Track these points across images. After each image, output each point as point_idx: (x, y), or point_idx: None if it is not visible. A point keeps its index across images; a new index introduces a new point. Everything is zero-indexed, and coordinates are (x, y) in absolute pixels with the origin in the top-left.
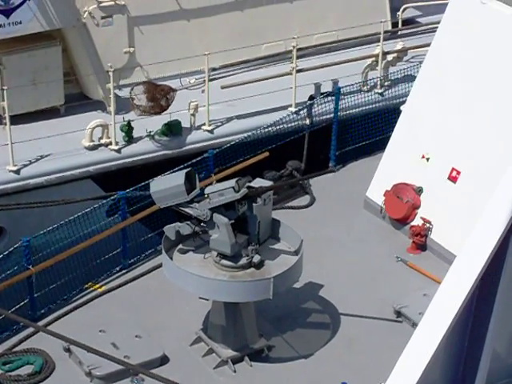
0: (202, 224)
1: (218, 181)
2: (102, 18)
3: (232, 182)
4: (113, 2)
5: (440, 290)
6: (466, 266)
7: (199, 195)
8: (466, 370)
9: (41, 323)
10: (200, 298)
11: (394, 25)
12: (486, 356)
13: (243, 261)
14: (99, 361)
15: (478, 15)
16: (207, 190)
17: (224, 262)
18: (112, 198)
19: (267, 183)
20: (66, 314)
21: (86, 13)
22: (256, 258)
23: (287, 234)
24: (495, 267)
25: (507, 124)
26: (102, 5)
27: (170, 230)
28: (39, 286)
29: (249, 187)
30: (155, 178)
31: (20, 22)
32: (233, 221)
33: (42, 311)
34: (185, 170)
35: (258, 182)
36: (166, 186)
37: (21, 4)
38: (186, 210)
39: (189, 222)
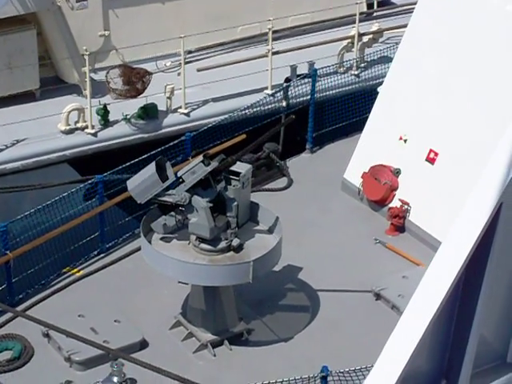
0: (181, 209)
1: None
2: (77, 1)
3: (200, 158)
4: None
5: (426, 275)
6: (452, 250)
7: (176, 181)
8: (453, 354)
9: (19, 308)
10: (179, 282)
11: (370, 6)
12: (473, 340)
13: (222, 244)
14: (78, 346)
15: None
16: (180, 173)
17: (203, 245)
18: (89, 181)
19: (246, 166)
20: (44, 299)
21: None
22: (235, 242)
23: (266, 217)
24: (482, 251)
25: (484, 105)
26: None
27: (157, 225)
28: (17, 271)
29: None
30: (131, 178)
31: None
32: (211, 204)
33: (20, 296)
34: (155, 160)
35: (236, 166)
36: (141, 180)
37: None
38: (165, 198)
39: (173, 213)
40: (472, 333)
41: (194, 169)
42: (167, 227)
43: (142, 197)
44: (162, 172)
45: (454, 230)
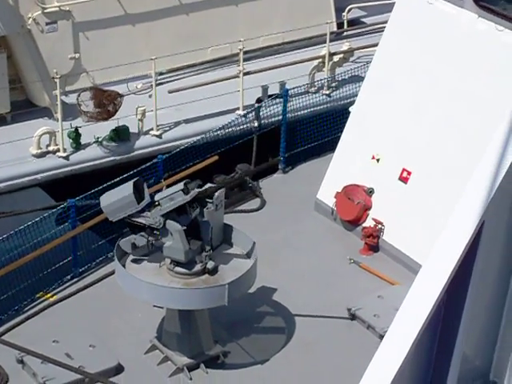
0: (155, 232)
1: (168, 186)
2: (47, 24)
3: (180, 185)
4: (57, 8)
5: (408, 297)
6: (434, 270)
7: (150, 203)
8: (436, 374)
9: None
10: (154, 306)
11: (340, 25)
12: (456, 359)
13: (197, 267)
14: (54, 372)
15: (424, 15)
16: (157, 197)
17: (178, 269)
18: (61, 206)
19: (217, 188)
20: (18, 324)
21: (31, 19)
22: (210, 265)
23: (240, 238)
24: (464, 270)
25: (456, 123)
26: (46, 11)
27: (125, 243)
28: None
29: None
30: (105, 193)
31: None
32: (185, 227)
33: None
34: (132, 180)
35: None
36: (116, 199)
37: None
38: (139, 219)
39: (143, 233)
40: (455, 352)
41: (173, 195)
42: (136, 246)
43: (114, 215)
44: (138, 193)
45: (435, 249)
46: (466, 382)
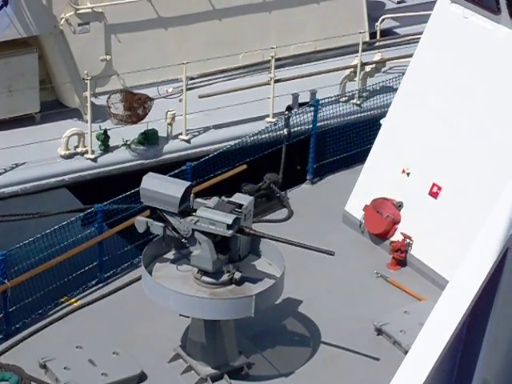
0: (182, 240)
1: (196, 194)
2: (79, 25)
3: (229, 219)
4: (90, 10)
5: (430, 319)
6: (457, 295)
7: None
8: None
9: (16, 338)
10: (180, 315)
11: (372, 36)
12: None
13: (224, 277)
14: (76, 377)
15: (460, 29)
16: (200, 212)
17: (205, 278)
18: (88, 210)
19: (248, 198)
20: (42, 328)
21: (63, 20)
22: (237, 275)
23: (268, 249)
24: (487, 296)
25: (489, 139)
26: (79, 12)
27: (140, 223)
28: (14, 300)
29: (236, 211)
30: (150, 174)
31: None
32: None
33: (17, 326)
34: (186, 184)
35: (238, 197)
36: (161, 190)
37: None
38: (169, 218)
39: (162, 224)
40: (475, 378)
41: (215, 222)
42: (158, 249)
43: (148, 201)
44: (183, 197)
45: (458, 274)
46: None
